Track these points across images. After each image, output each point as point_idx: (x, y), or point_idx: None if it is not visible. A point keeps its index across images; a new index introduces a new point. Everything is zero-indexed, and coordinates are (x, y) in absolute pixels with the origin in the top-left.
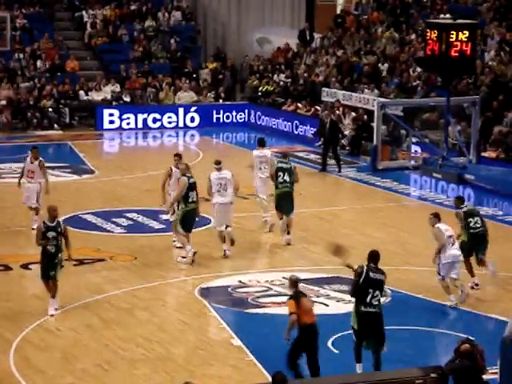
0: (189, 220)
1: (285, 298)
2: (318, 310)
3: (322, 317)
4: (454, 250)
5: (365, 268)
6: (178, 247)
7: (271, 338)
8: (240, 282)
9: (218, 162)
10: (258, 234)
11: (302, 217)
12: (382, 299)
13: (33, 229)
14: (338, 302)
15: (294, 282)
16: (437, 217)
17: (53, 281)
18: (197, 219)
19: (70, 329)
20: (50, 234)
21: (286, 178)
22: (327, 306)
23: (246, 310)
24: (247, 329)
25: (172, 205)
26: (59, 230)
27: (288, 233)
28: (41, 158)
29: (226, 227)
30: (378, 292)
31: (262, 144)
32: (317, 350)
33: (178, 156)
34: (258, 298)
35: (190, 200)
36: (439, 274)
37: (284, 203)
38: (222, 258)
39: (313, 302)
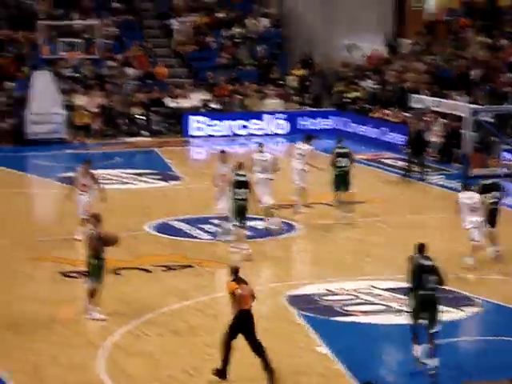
0: (239, 213)
1: (373, 307)
2: (404, 319)
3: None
4: None
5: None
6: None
7: (358, 346)
8: (327, 290)
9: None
10: (344, 241)
11: (389, 224)
12: (475, 309)
13: (75, 239)
14: None
15: (234, 269)
16: None
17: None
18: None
19: (158, 334)
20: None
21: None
22: None
23: (334, 318)
24: (334, 337)
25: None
26: None
27: None
28: (93, 171)
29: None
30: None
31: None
32: (253, 331)
33: (223, 153)
34: (346, 306)
35: (239, 197)
36: None
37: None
38: (307, 266)
39: (251, 289)
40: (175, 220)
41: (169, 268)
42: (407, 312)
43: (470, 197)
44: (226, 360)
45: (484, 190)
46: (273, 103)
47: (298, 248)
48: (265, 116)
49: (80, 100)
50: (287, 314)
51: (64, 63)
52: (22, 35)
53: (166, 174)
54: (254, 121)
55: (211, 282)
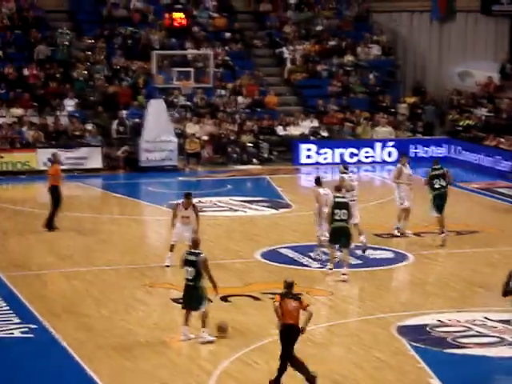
0: (335, 235)
1: (487, 339)
2: None
3: None
4: None
5: None
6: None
7: (472, 379)
8: (439, 321)
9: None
10: (458, 271)
11: (505, 255)
12: None
13: (167, 266)
14: None
15: (288, 284)
16: None
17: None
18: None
19: (267, 363)
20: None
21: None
22: None
23: (446, 350)
24: (447, 369)
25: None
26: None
27: None
28: (194, 203)
29: None
30: None
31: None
32: (290, 350)
33: (318, 180)
34: (458, 337)
35: (337, 218)
36: None
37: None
38: (419, 297)
39: (297, 305)
40: (284, 247)
41: None
42: None
43: None
44: (305, 372)
45: None
46: (384, 131)
47: (409, 277)
48: (376, 144)
49: (191, 128)
50: (397, 345)
51: (177, 92)
52: (136, 65)
53: (276, 202)
54: (364, 149)
55: (320, 311)
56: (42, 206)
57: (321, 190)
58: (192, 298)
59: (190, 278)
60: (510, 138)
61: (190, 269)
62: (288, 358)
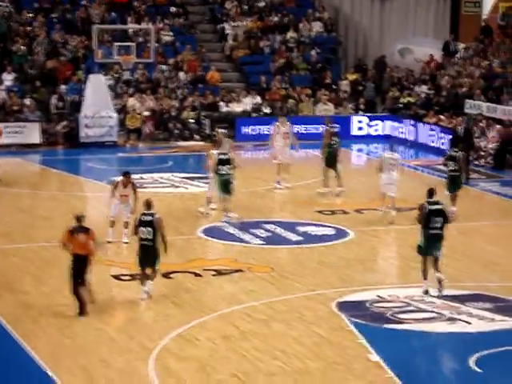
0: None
1: (426, 315)
2: (459, 328)
3: (464, 335)
4: None
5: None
6: None
7: (410, 354)
8: (379, 296)
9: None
10: (396, 247)
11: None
12: None
13: (108, 242)
14: (481, 320)
15: (77, 218)
16: None
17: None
18: None
19: (208, 339)
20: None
21: None
22: (470, 323)
23: (385, 326)
24: (386, 345)
25: None
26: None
27: None
28: (133, 181)
29: None
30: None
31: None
32: (83, 277)
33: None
34: (397, 313)
35: (223, 172)
36: None
37: None
38: (359, 272)
39: (89, 237)
40: (226, 224)
41: (219, 272)
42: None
43: None
44: (81, 302)
45: None
46: (325, 108)
47: (350, 254)
48: (317, 121)
49: (132, 104)
50: (337, 321)
51: (117, 67)
52: (76, 39)
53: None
54: (306, 125)
55: (261, 287)
56: None
57: (213, 151)
58: (150, 257)
59: (149, 237)
60: (450, 115)
61: (146, 229)
62: (83, 283)
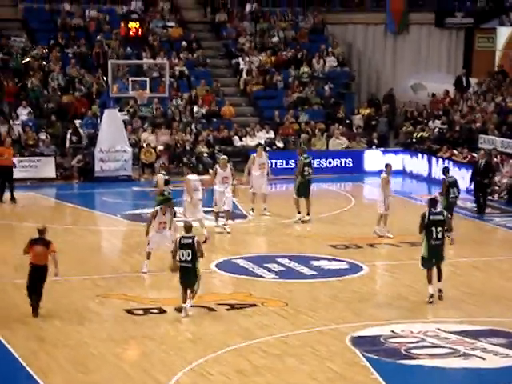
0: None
1: (440, 350)
2: (474, 363)
3: (479, 371)
4: None
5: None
6: None
7: None
8: (393, 331)
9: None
10: (410, 281)
11: (457, 266)
12: None
13: (144, 272)
14: (495, 355)
15: (39, 231)
16: None
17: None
18: None
19: (222, 374)
20: None
21: None
22: (484, 359)
23: (399, 361)
24: (400, 380)
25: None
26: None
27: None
28: (174, 205)
29: None
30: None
31: None
32: (39, 286)
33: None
34: (411, 348)
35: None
36: None
37: None
38: (373, 307)
39: (48, 249)
40: (240, 258)
41: (232, 307)
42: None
43: None
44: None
45: None
46: (338, 143)
47: (364, 288)
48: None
49: (146, 138)
50: (351, 356)
51: (132, 102)
52: (91, 74)
53: (232, 212)
54: (320, 160)
55: (275, 322)
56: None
57: (190, 177)
58: (190, 278)
59: (188, 259)
60: (464, 150)
61: (186, 251)
62: (36, 292)
